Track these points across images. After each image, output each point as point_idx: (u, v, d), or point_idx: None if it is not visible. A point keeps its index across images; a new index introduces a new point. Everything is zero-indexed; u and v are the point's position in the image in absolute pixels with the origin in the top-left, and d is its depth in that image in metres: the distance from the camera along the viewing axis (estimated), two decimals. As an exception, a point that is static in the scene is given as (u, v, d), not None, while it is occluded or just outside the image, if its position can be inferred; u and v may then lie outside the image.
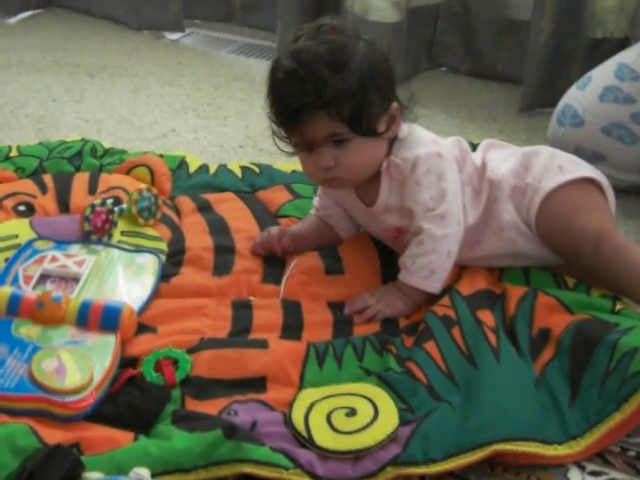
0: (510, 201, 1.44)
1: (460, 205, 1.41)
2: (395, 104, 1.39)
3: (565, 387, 1.24)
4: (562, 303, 1.37)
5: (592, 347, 1.26)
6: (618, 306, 1.37)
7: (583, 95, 1.86)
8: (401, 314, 1.39)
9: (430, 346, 1.29)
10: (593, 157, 1.83)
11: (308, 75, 1.30)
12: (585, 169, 1.46)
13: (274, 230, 1.56)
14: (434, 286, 1.40)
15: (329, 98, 1.30)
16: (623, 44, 2.13)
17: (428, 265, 1.38)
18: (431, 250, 1.38)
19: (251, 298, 1.44)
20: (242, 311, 1.39)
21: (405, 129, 1.43)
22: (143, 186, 1.64)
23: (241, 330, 1.35)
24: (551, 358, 1.29)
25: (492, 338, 1.30)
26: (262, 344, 1.29)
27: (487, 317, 1.35)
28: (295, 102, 1.32)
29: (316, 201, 1.59)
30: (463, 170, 1.45)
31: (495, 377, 1.24)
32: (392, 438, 1.15)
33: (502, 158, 1.49)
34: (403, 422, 1.17)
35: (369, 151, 1.38)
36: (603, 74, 1.86)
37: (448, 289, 1.41)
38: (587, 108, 1.83)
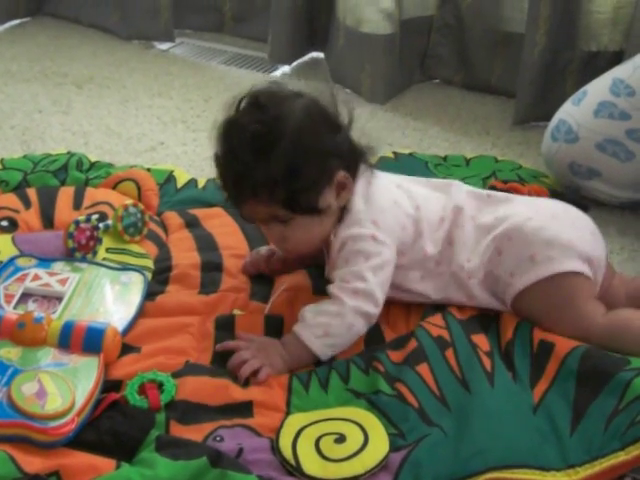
0: (483, 287, 1.39)
1: (383, 289, 1.34)
2: (342, 173, 1.33)
3: (567, 413, 1.21)
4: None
5: (602, 380, 1.23)
6: None
7: (578, 110, 1.83)
8: (278, 373, 1.29)
9: (423, 369, 1.27)
10: (588, 173, 1.82)
11: (234, 162, 1.29)
12: (560, 259, 1.34)
13: (263, 250, 1.53)
14: (324, 351, 1.31)
15: (255, 187, 1.28)
16: (617, 57, 2.13)
17: (327, 326, 1.30)
18: (336, 313, 1.31)
19: (235, 312, 1.41)
20: (224, 332, 1.36)
21: (359, 195, 1.36)
22: (129, 201, 1.61)
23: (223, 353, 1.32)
24: (554, 379, 1.26)
25: (487, 362, 1.28)
26: (245, 382, 1.26)
27: (482, 341, 1.32)
28: (227, 189, 1.34)
29: None
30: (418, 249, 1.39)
31: (489, 402, 1.21)
32: (383, 466, 1.12)
33: (474, 238, 1.39)
34: (394, 448, 1.15)
35: (315, 226, 1.34)
36: (598, 89, 1.84)
37: (441, 309, 1.38)
38: (582, 124, 1.81)
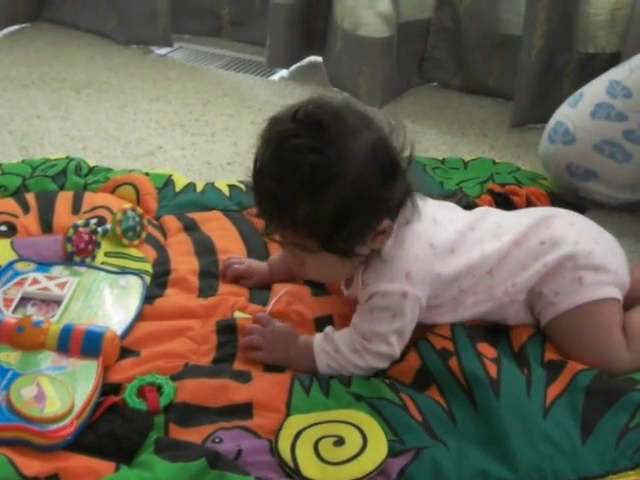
0: (521, 307, 1.37)
1: (403, 345, 1.30)
2: (387, 222, 1.24)
3: (576, 423, 1.21)
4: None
5: (612, 397, 1.24)
6: None
7: (574, 112, 1.84)
8: (275, 363, 1.31)
9: (432, 392, 1.26)
10: (585, 174, 1.82)
11: (280, 187, 1.17)
12: (608, 286, 1.34)
13: (231, 269, 1.51)
14: (327, 372, 1.30)
15: (295, 220, 1.19)
16: (615, 59, 2.13)
17: (342, 368, 1.29)
18: (355, 365, 1.29)
19: (236, 315, 1.41)
20: (226, 335, 1.36)
21: (393, 237, 1.27)
22: (128, 206, 1.61)
23: (225, 357, 1.32)
24: (564, 389, 1.26)
25: (492, 370, 1.26)
26: (246, 378, 1.26)
27: (487, 349, 1.31)
28: (260, 204, 1.23)
29: None
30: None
31: (494, 419, 1.20)
32: (380, 470, 1.12)
33: (520, 264, 1.35)
34: (392, 453, 1.14)
35: (341, 266, 1.26)
36: (594, 91, 1.85)
37: None
38: (578, 125, 1.82)
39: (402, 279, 1.27)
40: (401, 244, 1.28)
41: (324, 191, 1.16)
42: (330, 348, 1.30)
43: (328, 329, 1.33)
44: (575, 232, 1.38)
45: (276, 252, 1.54)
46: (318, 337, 1.32)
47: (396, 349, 1.29)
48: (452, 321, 1.35)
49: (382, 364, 1.30)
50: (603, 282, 1.34)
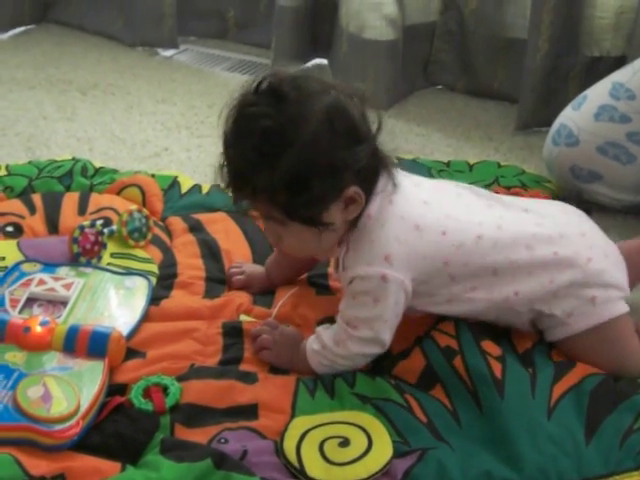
0: (523, 316, 1.33)
1: (392, 329, 1.27)
2: (353, 189, 1.19)
3: (580, 426, 1.21)
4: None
5: (616, 399, 1.24)
6: None
7: (578, 115, 1.84)
8: (279, 366, 1.32)
9: (437, 391, 1.27)
10: (589, 176, 1.82)
11: (237, 156, 1.19)
12: (617, 301, 1.32)
13: (237, 280, 1.52)
14: (323, 371, 1.30)
15: (255, 188, 1.18)
16: (620, 62, 2.12)
17: (332, 362, 1.29)
18: (342, 356, 1.28)
19: (242, 318, 1.41)
20: (233, 338, 1.37)
21: (374, 219, 1.24)
22: (134, 207, 1.62)
23: (231, 360, 1.32)
24: (569, 389, 1.26)
25: (497, 368, 1.26)
26: (251, 379, 1.27)
27: (491, 347, 1.31)
28: (227, 181, 1.22)
29: None
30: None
31: (499, 419, 1.20)
32: (385, 471, 1.12)
33: (526, 271, 1.29)
34: (397, 454, 1.15)
35: (313, 237, 1.23)
36: (598, 93, 1.85)
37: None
38: (582, 127, 1.82)
39: (381, 262, 1.23)
40: (382, 226, 1.24)
41: (277, 156, 1.14)
42: (318, 346, 1.29)
43: (319, 328, 1.33)
44: (587, 245, 1.33)
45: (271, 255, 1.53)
46: (310, 338, 1.32)
47: (382, 335, 1.26)
48: (447, 313, 1.33)
49: (367, 349, 1.27)
50: (614, 298, 1.32)
